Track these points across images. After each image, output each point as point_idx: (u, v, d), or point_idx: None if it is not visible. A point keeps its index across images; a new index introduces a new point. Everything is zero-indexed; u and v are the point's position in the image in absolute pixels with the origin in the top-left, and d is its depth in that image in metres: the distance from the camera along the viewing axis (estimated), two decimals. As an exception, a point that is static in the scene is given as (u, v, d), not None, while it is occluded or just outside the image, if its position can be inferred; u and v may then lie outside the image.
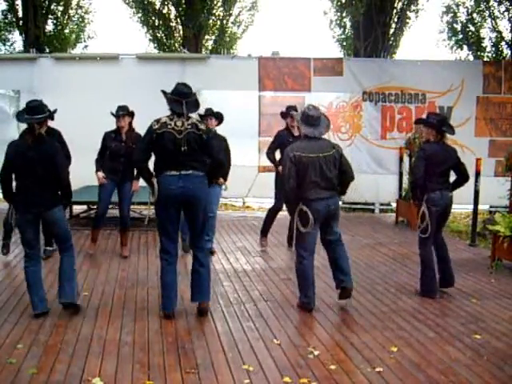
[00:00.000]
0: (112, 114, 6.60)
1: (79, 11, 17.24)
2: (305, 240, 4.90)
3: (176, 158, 4.51)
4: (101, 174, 6.63)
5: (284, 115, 7.12)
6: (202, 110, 6.54)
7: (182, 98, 4.55)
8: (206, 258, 4.87)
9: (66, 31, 16.88)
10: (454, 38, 14.67)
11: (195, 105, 4.67)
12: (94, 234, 6.90)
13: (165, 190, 4.54)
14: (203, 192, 4.66)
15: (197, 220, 4.69)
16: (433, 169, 5.23)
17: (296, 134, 6.85)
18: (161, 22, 15.86)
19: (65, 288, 4.66)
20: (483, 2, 13.94)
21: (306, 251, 4.93)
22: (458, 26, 14.62)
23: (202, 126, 4.60)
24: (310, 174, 4.75)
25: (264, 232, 7.46)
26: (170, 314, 4.65)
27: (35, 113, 4.51)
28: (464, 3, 14.50)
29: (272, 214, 7.37)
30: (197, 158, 4.58)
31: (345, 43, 15.37)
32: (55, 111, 4.75)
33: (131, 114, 6.64)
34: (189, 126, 4.53)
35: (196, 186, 4.56)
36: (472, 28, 14.47)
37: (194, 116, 4.69)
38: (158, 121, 4.57)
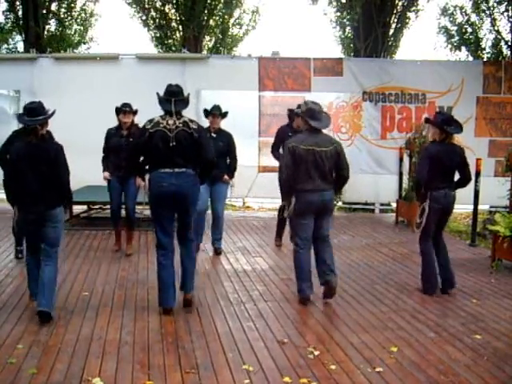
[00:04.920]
0: (117, 108, 6.69)
1: (82, 14, 17.26)
2: (299, 229, 5.07)
3: (168, 156, 4.61)
4: (106, 173, 6.81)
5: (291, 117, 7.07)
6: (201, 110, 6.58)
7: (171, 96, 4.67)
8: (193, 250, 5.00)
9: (69, 32, 16.87)
10: (451, 40, 14.65)
11: (184, 103, 4.77)
12: (116, 233, 7.07)
13: (157, 187, 4.64)
14: (195, 191, 4.78)
15: (187, 216, 4.83)
16: (437, 168, 5.24)
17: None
18: (162, 22, 15.88)
19: (46, 297, 4.50)
20: (482, 2, 13.92)
21: (301, 240, 5.08)
22: (455, 28, 14.61)
23: (194, 125, 4.69)
24: (305, 166, 4.87)
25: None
26: (169, 309, 4.68)
27: (36, 114, 4.49)
28: (462, 6, 14.51)
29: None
30: (188, 157, 4.67)
31: (345, 43, 15.37)
32: (54, 112, 4.74)
33: (135, 113, 6.80)
34: (180, 125, 4.63)
35: (188, 184, 4.66)
36: (469, 29, 14.45)
37: (187, 115, 4.79)
38: (151, 121, 4.69)
